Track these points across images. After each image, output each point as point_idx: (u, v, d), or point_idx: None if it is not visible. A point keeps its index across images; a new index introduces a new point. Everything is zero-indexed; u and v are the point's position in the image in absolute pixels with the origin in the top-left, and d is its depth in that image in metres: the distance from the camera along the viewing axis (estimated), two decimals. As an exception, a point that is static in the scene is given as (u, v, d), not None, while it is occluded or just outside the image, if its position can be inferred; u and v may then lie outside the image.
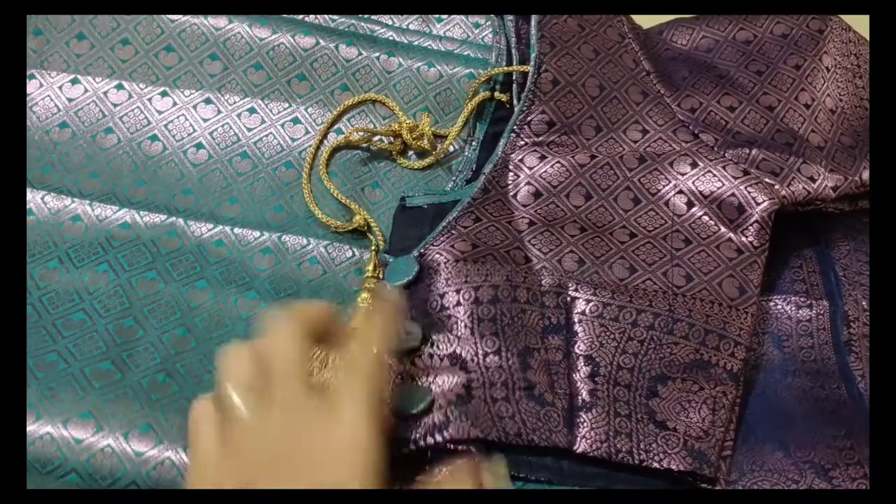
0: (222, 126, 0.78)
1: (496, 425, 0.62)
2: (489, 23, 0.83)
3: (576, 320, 0.66)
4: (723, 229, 0.70)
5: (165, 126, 0.78)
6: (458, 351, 0.64)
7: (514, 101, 0.76)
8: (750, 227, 0.69)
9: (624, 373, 0.64)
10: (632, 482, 0.63)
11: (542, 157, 0.73)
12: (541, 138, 0.74)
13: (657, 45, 0.81)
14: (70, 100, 0.78)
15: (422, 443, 0.61)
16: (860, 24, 0.79)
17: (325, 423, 0.54)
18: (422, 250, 0.68)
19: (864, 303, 0.71)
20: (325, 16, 0.82)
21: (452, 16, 0.84)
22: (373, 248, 0.73)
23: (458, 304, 0.65)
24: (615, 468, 0.63)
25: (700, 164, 0.71)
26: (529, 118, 0.74)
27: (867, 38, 0.80)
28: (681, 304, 0.66)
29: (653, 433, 0.62)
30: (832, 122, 0.75)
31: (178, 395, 0.67)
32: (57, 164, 0.76)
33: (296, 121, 0.79)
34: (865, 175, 0.71)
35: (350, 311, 0.70)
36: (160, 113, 0.78)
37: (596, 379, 0.64)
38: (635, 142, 0.74)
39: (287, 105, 0.79)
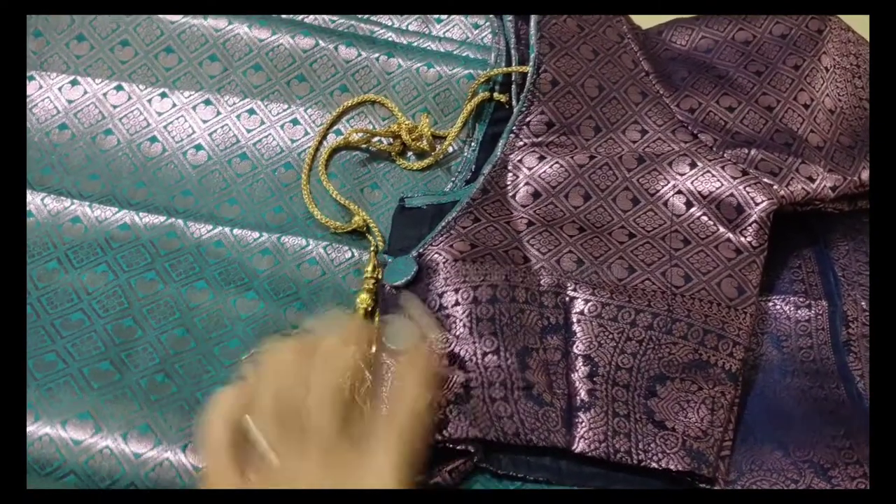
0: (222, 127, 0.78)
1: (494, 425, 0.62)
2: (488, 24, 0.83)
3: (574, 320, 0.66)
4: (721, 229, 0.70)
5: (165, 127, 0.78)
6: (456, 350, 0.64)
7: (514, 102, 0.76)
8: (749, 228, 0.69)
9: (622, 373, 0.64)
10: (630, 482, 0.63)
11: (541, 158, 0.73)
12: (540, 139, 0.74)
13: (656, 45, 0.81)
14: (70, 101, 0.78)
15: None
16: (860, 24, 0.79)
17: (356, 474, 0.55)
18: (420, 250, 0.68)
19: (863, 303, 0.71)
20: (325, 17, 0.82)
21: (452, 17, 0.84)
22: (372, 248, 0.73)
23: (457, 303, 0.65)
24: (614, 468, 0.63)
25: (699, 164, 0.71)
26: (528, 119, 0.74)
27: (866, 38, 0.80)
28: (679, 304, 0.66)
29: (651, 433, 0.62)
30: (831, 122, 0.75)
31: (177, 396, 0.67)
32: (56, 166, 0.76)
33: (295, 122, 0.79)
34: (864, 175, 0.71)
35: (349, 313, 0.70)
36: (160, 114, 0.78)
37: (594, 379, 0.64)
38: (634, 142, 0.74)
39: (286, 106, 0.79)
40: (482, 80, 0.78)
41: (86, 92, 0.79)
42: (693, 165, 0.71)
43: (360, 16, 0.83)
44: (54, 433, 0.64)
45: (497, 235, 0.69)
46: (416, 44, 0.81)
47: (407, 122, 0.77)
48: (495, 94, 0.78)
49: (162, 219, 0.74)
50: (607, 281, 0.68)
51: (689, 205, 0.71)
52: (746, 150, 0.72)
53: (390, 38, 0.82)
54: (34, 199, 0.74)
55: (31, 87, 0.78)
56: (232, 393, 0.58)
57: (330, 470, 0.55)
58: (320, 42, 0.80)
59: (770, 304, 0.71)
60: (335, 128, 0.79)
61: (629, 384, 0.64)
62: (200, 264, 0.72)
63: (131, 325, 0.69)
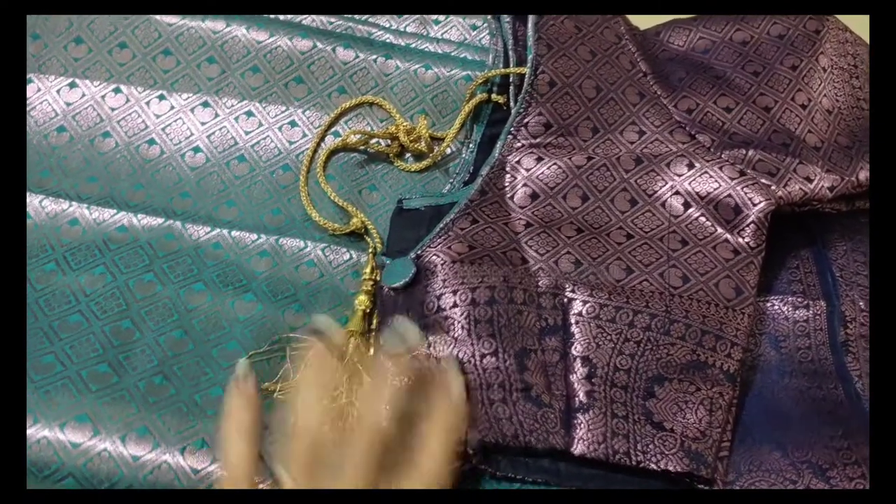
0: (220, 129, 0.78)
1: (493, 427, 0.62)
2: (486, 25, 0.83)
3: (572, 321, 0.66)
4: (719, 230, 0.70)
5: (163, 129, 0.78)
6: (455, 353, 0.64)
7: (511, 103, 0.76)
8: (746, 228, 0.69)
9: (621, 374, 0.64)
10: (629, 483, 0.63)
11: (539, 159, 0.73)
12: (538, 140, 0.74)
13: (654, 46, 0.81)
14: (68, 104, 0.78)
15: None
16: (860, 24, 0.79)
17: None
18: (419, 252, 0.68)
19: (861, 303, 0.71)
20: (323, 18, 0.82)
21: (450, 18, 0.84)
22: (370, 250, 0.73)
23: (455, 305, 0.65)
24: (613, 469, 0.63)
25: (696, 164, 0.71)
26: (526, 120, 0.74)
27: (864, 38, 0.80)
28: (677, 305, 0.66)
29: (650, 434, 0.62)
30: (829, 122, 0.75)
31: (175, 398, 0.67)
32: (55, 169, 0.76)
33: (293, 124, 0.79)
34: (862, 175, 0.71)
35: (348, 315, 0.70)
36: (158, 116, 0.78)
37: (593, 380, 0.64)
38: (632, 143, 0.74)
39: (284, 108, 0.79)
40: (480, 81, 0.78)
41: (84, 94, 0.79)
42: (691, 166, 0.71)
43: (357, 17, 0.83)
44: (52, 436, 0.64)
45: (495, 237, 0.69)
46: (413, 45, 0.81)
47: (405, 124, 0.77)
48: (493, 96, 0.78)
49: (160, 220, 0.73)
50: (605, 282, 0.68)
51: (686, 206, 0.71)
52: (744, 151, 0.72)
53: (388, 40, 0.82)
54: (32, 202, 0.73)
55: (29, 90, 0.78)
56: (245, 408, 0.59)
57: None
58: (318, 44, 0.80)
59: (768, 304, 0.71)
60: (333, 129, 0.79)
61: (627, 385, 0.64)
62: (199, 266, 0.72)
63: (129, 326, 0.69)
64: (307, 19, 0.82)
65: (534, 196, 0.72)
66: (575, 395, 0.63)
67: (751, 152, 0.71)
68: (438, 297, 0.66)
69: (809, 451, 0.64)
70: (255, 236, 0.73)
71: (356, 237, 0.74)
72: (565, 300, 0.67)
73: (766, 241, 0.69)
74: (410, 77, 0.80)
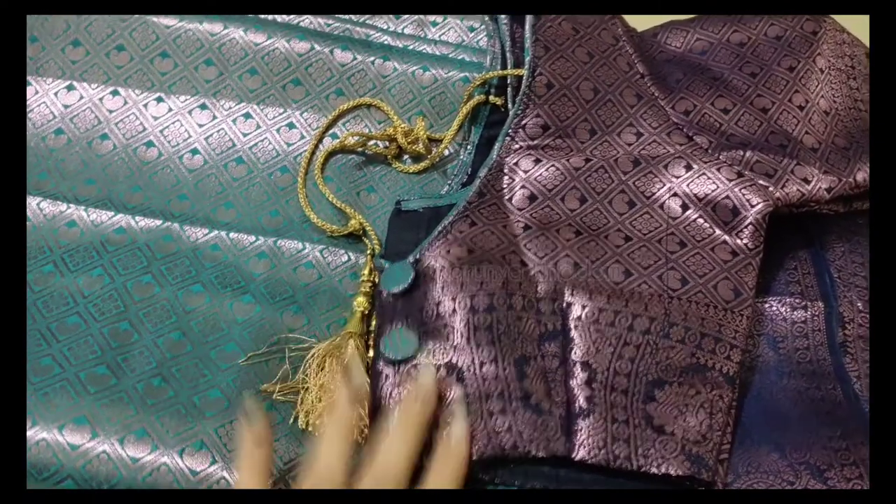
0: (217, 131, 0.78)
1: (492, 441, 0.62)
2: (484, 27, 0.83)
3: (572, 326, 0.66)
4: (717, 232, 0.70)
5: (161, 132, 0.78)
6: (454, 360, 0.64)
7: (509, 105, 0.76)
8: (744, 230, 0.69)
9: (621, 378, 0.64)
10: (630, 488, 0.63)
11: (537, 161, 0.73)
12: (535, 142, 0.74)
13: (651, 47, 0.81)
14: (66, 106, 0.78)
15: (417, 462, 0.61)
16: (859, 24, 0.79)
17: None
18: (417, 256, 0.68)
19: (859, 304, 0.71)
20: (320, 20, 0.82)
21: (447, 20, 0.84)
22: (368, 252, 0.73)
23: (454, 312, 0.65)
24: (613, 474, 0.63)
25: (694, 166, 0.71)
26: (524, 122, 0.74)
27: (862, 39, 0.80)
28: (676, 307, 0.66)
29: (651, 438, 0.62)
30: (826, 123, 0.75)
31: (174, 400, 0.66)
32: (53, 171, 0.76)
33: (291, 126, 0.79)
34: (860, 176, 0.71)
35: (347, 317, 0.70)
36: (155, 119, 0.78)
37: (593, 385, 0.64)
38: (629, 145, 0.74)
39: (282, 110, 0.79)
40: (478, 83, 0.78)
41: (82, 97, 0.79)
42: (688, 168, 0.71)
43: (355, 19, 0.83)
44: (51, 438, 0.64)
45: (494, 239, 0.69)
46: (411, 47, 0.82)
47: (403, 126, 0.77)
48: (491, 97, 0.78)
49: (158, 222, 0.73)
50: (604, 285, 0.67)
51: (684, 207, 0.71)
52: (741, 152, 0.72)
53: (386, 42, 0.82)
54: (30, 204, 0.74)
55: (27, 93, 0.78)
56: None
57: None
58: (316, 46, 0.80)
59: (766, 305, 0.71)
60: (331, 131, 0.79)
61: (627, 389, 0.64)
62: (197, 268, 0.72)
63: (127, 328, 0.69)
64: (305, 21, 0.82)
65: (532, 198, 0.72)
66: (575, 401, 0.63)
67: (748, 154, 0.72)
68: (437, 304, 0.66)
69: (807, 452, 0.64)
70: (253, 238, 0.73)
71: (354, 239, 0.74)
72: (564, 305, 0.67)
73: (764, 243, 0.69)
74: (408, 79, 0.80)
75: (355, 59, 0.80)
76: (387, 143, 0.78)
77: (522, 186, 0.72)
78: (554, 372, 0.64)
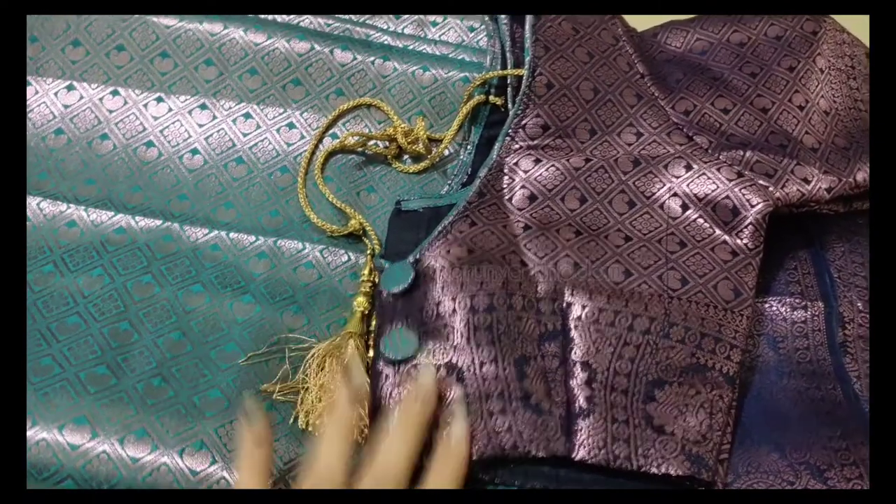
0: (217, 131, 0.78)
1: (492, 441, 0.62)
2: (484, 27, 0.83)
3: (572, 326, 0.66)
4: (717, 232, 0.70)
5: (161, 132, 0.78)
6: (454, 360, 0.64)
7: (509, 105, 0.76)
8: (744, 230, 0.69)
9: (621, 378, 0.64)
10: (630, 487, 0.63)
11: (537, 161, 0.73)
12: (535, 142, 0.74)
13: (651, 47, 0.81)
14: (66, 106, 0.78)
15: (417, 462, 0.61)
16: (859, 24, 0.79)
17: None
18: (417, 256, 0.68)
19: (859, 304, 0.71)
20: (320, 20, 0.82)
21: (447, 20, 0.84)
22: (368, 252, 0.73)
23: (454, 312, 0.65)
24: (613, 474, 0.63)
25: (694, 166, 0.71)
26: (524, 122, 0.74)
27: (861, 39, 0.80)
28: (676, 307, 0.66)
29: (650, 438, 0.62)
30: (826, 123, 0.75)
31: (174, 400, 0.66)
32: (53, 171, 0.76)
33: (291, 125, 0.79)
34: (860, 176, 0.71)
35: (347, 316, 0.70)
36: (155, 119, 0.78)
37: (593, 385, 0.64)
38: (629, 145, 0.74)
39: (282, 110, 0.79)
40: (478, 83, 0.78)
41: (82, 97, 0.79)
42: (688, 168, 0.71)
43: (355, 19, 0.83)
44: (51, 438, 0.64)
45: (494, 239, 0.69)
46: (411, 47, 0.82)
47: (403, 126, 0.77)
48: (491, 97, 0.78)
49: (158, 222, 0.74)
50: (604, 285, 0.67)
51: (684, 207, 0.71)
52: (741, 152, 0.72)
53: (386, 42, 0.82)
54: (30, 204, 0.74)
55: (27, 93, 0.78)
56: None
57: None
58: (315, 46, 0.80)
59: (766, 305, 0.71)
60: (331, 131, 0.79)
61: (627, 390, 0.64)
62: (197, 268, 0.72)
63: (128, 328, 0.69)
64: (305, 21, 0.82)
65: (532, 198, 0.72)
66: (575, 401, 0.63)
67: (748, 154, 0.72)
68: (437, 304, 0.66)
69: (807, 452, 0.64)
70: (253, 238, 0.73)
71: (354, 239, 0.74)
72: (564, 305, 0.67)
73: (764, 243, 0.69)
74: (408, 79, 0.80)
75: (355, 59, 0.80)
76: (387, 143, 0.78)
77: (522, 186, 0.72)
78: (554, 372, 0.64)
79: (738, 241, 0.69)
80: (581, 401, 0.63)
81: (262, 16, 0.82)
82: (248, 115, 0.79)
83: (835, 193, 0.71)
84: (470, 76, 0.80)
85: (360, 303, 0.70)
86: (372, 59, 0.80)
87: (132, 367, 0.68)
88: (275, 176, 0.77)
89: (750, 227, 0.69)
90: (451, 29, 0.84)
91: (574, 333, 0.65)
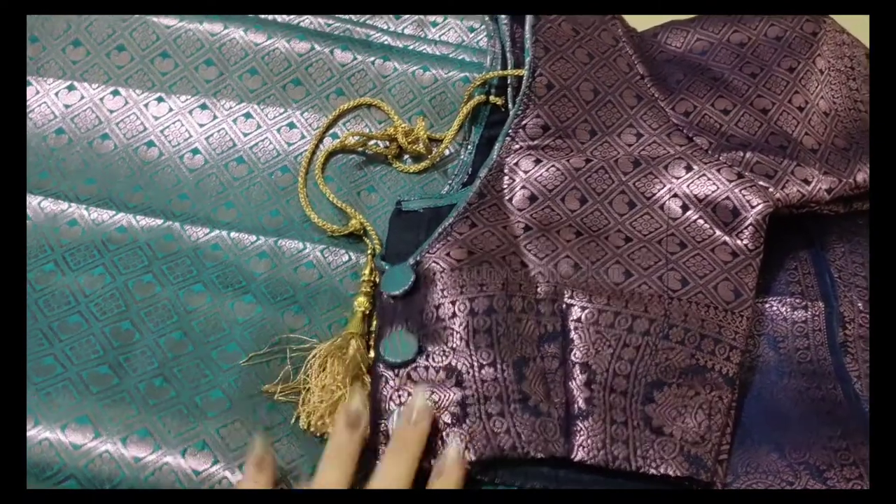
0: (218, 131, 0.78)
1: (491, 443, 0.62)
2: (484, 27, 0.83)
3: (571, 328, 0.66)
4: (718, 232, 0.70)
5: (161, 132, 0.78)
6: (453, 363, 0.64)
7: (509, 105, 0.76)
8: (745, 230, 0.69)
9: (620, 379, 0.64)
10: (629, 488, 0.63)
11: (538, 161, 0.73)
12: (536, 142, 0.74)
13: (651, 48, 0.81)
14: (66, 106, 0.78)
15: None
16: (859, 24, 0.79)
17: None
18: (418, 258, 0.68)
19: (859, 304, 0.71)
20: (320, 20, 0.82)
21: (447, 20, 0.84)
22: (369, 252, 0.73)
23: (454, 315, 0.65)
24: (612, 475, 0.63)
25: (694, 167, 0.72)
26: (524, 122, 0.74)
27: (861, 39, 0.80)
28: (676, 308, 0.66)
29: (649, 439, 0.62)
30: (826, 124, 0.75)
31: (176, 400, 0.67)
32: (54, 170, 0.76)
33: (291, 125, 0.79)
34: (860, 177, 0.72)
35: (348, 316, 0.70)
36: (156, 119, 0.78)
37: (592, 386, 0.64)
38: (630, 145, 0.74)
39: (283, 110, 0.79)
40: (478, 83, 0.78)
41: (82, 97, 0.79)
42: (689, 169, 0.72)
43: (355, 19, 0.83)
44: (54, 437, 0.64)
45: (494, 241, 0.69)
46: (411, 47, 0.82)
47: (403, 126, 0.78)
48: (491, 98, 0.78)
49: (159, 222, 0.74)
50: (604, 285, 0.68)
51: (685, 208, 0.71)
52: (741, 153, 0.72)
53: (386, 42, 0.82)
54: (31, 203, 0.74)
55: (28, 93, 0.78)
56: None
57: None
58: (316, 46, 0.80)
59: (767, 305, 0.72)
60: (331, 131, 0.79)
61: (627, 391, 0.64)
62: (198, 267, 0.72)
63: (129, 328, 0.69)
64: (305, 21, 0.82)
65: (532, 198, 0.72)
66: (574, 402, 0.64)
67: (748, 154, 0.72)
68: (437, 307, 0.66)
69: (807, 452, 0.64)
70: (253, 238, 0.73)
71: (355, 238, 0.74)
72: (564, 306, 0.67)
73: (764, 243, 0.69)
74: (408, 79, 0.80)
75: (355, 59, 0.80)
76: (387, 143, 0.78)
77: (523, 187, 0.72)
78: (553, 373, 0.64)
79: (739, 241, 0.69)
80: (580, 402, 0.63)
81: (263, 16, 0.82)
82: (248, 115, 0.79)
83: (835, 194, 0.71)
84: (470, 76, 0.80)
85: (361, 303, 0.70)
86: (372, 59, 0.80)
87: (134, 366, 0.68)
88: (275, 176, 0.77)
89: (750, 227, 0.69)
90: (451, 29, 0.84)
91: (574, 335, 0.66)
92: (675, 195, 0.71)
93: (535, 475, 0.63)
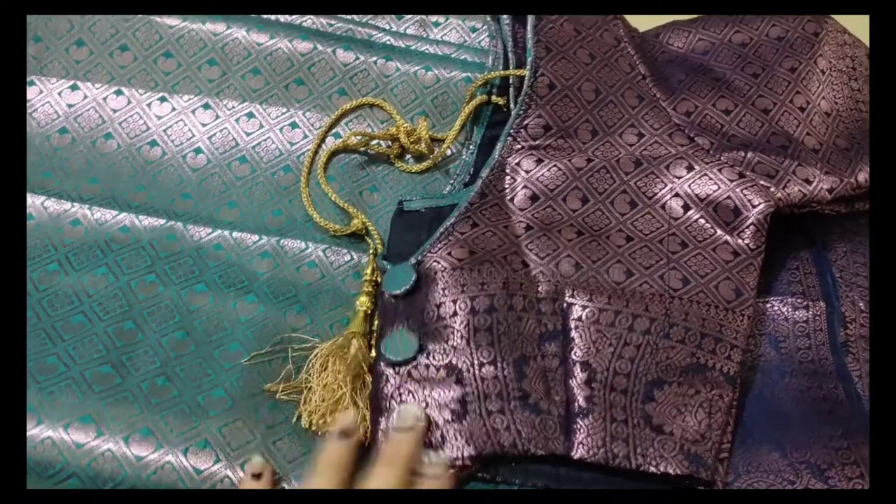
0: (221, 131, 0.78)
1: (491, 439, 0.62)
2: (486, 27, 0.83)
3: (572, 326, 0.66)
4: (719, 232, 0.70)
5: (164, 131, 0.78)
6: (453, 361, 0.64)
7: (511, 105, 0.77)
8: (746, 230, 0.69)
9: (620, 378, 0.64)
10: (630, 487, 0.63)
11: (539, 161, 0.73)
12: (537, 142, 0.74)
13: (653, 48, 0.81)
14: (70, 106, 0.79)
15: None
16: (860, 24, 0.79)
17: None
18: (419, 258, 0.68)
19: (860, 304, 0.71)
20: (323, 20, 0.82)
21: (449, 20, 0.84)
22: (371, 251, 0.73)
23: (455, 314, 0.65)
24: (612, 473, 0.63)
25: (696, 167, 0.72)
26: (526, 122, 0.74)
27: (863, 39, 0.80)
28: (677, 307, 0.66)
29: (649, 437, 0.62)
30: (827, 124, 0.75)
31: (178, 400, 0.67)
32: (57, 170, 0.76)
33: (294, 125, 0.79)
34: (861, 177, 0.72)
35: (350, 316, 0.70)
36: (159, 118, 0.78)
37: (592, 385, 0.64)
38: (631, 145, 0.74)
39: (285, 110, 0.79)
40: (480, 83, 0.78)
41: (86, 96, 0.79)
42: (690, 168, 0.72)
43: (357, 19, 0.83)
44: (56, 436, 0.65)
45: (495, 240, 0.69)
46: (413, 47, 0.82)
47: (405, 125, 0.78)
48: (493, 97, 0.78)
49: (162, 221, 0.74)
50: (605, 285, 0.68)
51: (686, 208, 0.71)
52: (743, 153, 0.72)
53: (388, 42, 0.82)
54: (35, 202, 0.74)
55: (31, 92, 0.79)
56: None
57: None
58: (318, 46, 0.80)
59: (768, 305, 0.72)
60: (334, 131, 0.79)
61: (627, 389, 0.64)
62: (200, 267, 0.72)
63: (132, 327, 0.70)
64: (307, 21, 0.82)
65: (534, 198, 0.72)
66: (574, 400, 0.64)
67: (749, 154, 0.72)
68: (438, 306, 0.66)
69: (808, 452, 0.64)
70: (256, 237, 0.74)
71: (357, 238, 0.75)
72: (565, 305, 0.67)
73: (765, 243, 0.69)
74: (410, 79, 0.80)
75: (358, 59, 0.80)
76: (389, 143, 0.78)
77: (524, 186, 0.72)
78: (553, 371, 0.65)
79: (740, 241, 0.69)
80: (580, 400, 0.64)
81: (265, 16, 0.82)
82: (251, 115, 0.79)
83: (836, 194, 0.71)
84: (472, 76, 0.80)
85: (363, 302, 0.70)
86: (374, 59, 0.81)
87: (137, 366, 0.68)
88: (278, 175, 0.77)
89: (751, 227, 0.69)
90: (453, 29, 0.84)
91: (574, 333, 0.66)
92: (677, 195, 0.71)
93: (536, 473, 0.63)
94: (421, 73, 0.80)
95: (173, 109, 0.79)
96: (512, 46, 0.79)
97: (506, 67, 0.79)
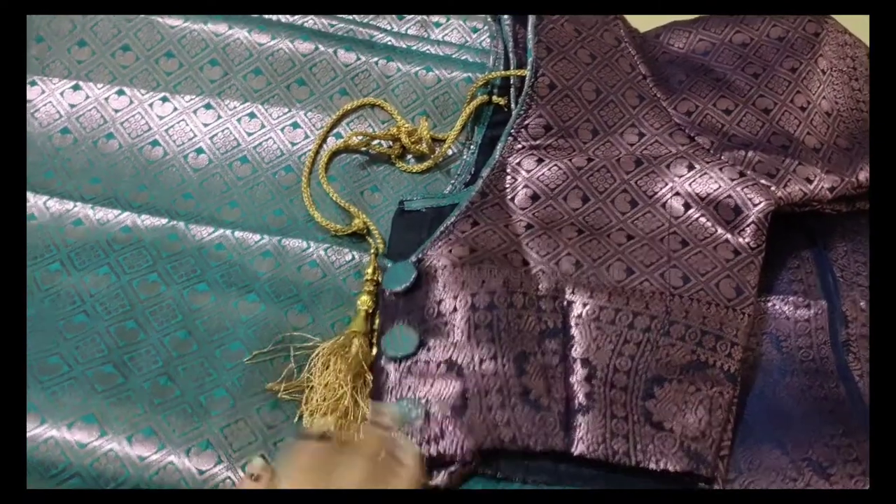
0: (222, 131, 0.79)
1: (490, 434, 0.62)
2: (486, 27, 0.84)
3: (573, 324, 0.66)
4: (720, 231, 0.70)
5: (166, 131, 0.78)
6: (454, 357, 0.64)
7: (512, 105, 0.77)
8: (747, 229, 0.69)
9: (620, 375, 0.64)
10: (629, 483, 0.63)
11: (540, 161, 0.73)
12: (538, 142, 0.74)
13: (654, 48, 0.81)
14: (71, 106, 0.79)
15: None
16: (860, 24, 0.79)
17: None
18: (420, 255, 0.69)
19: (862, 303, 0.71)
20: (324, 21, 0.83)
21: (450, 21, 0.84)
22: (372, 251, 0.73)
23: (455, 310, 0.65)
24: (612, 469, 0.63)
25: (696, 166, 0.72)
26: (527, 122, 0.74)
27: (863, 39, 0.80)
28: (678, 305, 0.67)
29: (649, 434, 0.62)
30: (828, 124, 0.75)
31: (180, 399, 0.67)
32: (59, 170, 0.76)
33: (295, 125, 0.79)
34: (862, 176, 0.72)
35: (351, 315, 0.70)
36: (161, 118, 0.79)
37: (592, 382, 0.64)
38: (632, 145, 0.74)
39: (286, 110, 0.79)
40: (481, 83, 0.78)
41: (87, 96, 0.79)
42: (691, 167, 0.72)
43: (358, 20, 0.83)
44: (59, 436, 0.65)
45: (496, 239, 0.69)
46: (414, 48, 0.82)
47: (406, 126, 0.78)
48: (494, 98, 0.78)
49: (163, 221, 0.74)
50: (606, 283, 0.68)
51: (687, 206, 0.71)
52: (743, 153, 0.72)
53: (389, 43, 0.82)
54: (37, 202, 0.74)
55: (33, 92, 0.79)
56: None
57: None
58: (319, 46, 0.81)
59: (769, 304, 0.72)
60: (335, 131, 0.79)
61: (627, 386, 0.64)
62: (202, 266, 0.73)
63: (134, 327, 0.70)
64: (308, 22, 0.83)
65: (534, 197, 0.72)
66: (574, 397, 0.64)
67: (750, 154, 0.72)
68: (439, 303, 0.66)
69: (810, 450, 0.64)
70: (257, 237, 0.74)
71: (358, 238, 0.75)
72: (565, 303, 0.67)
73: (766, 242, 0.70)
74: (412, 79, 0.81)
75: (359, 59, 0.81)
76: (390, 143, 0.78)
77: (525, 186, 0.73)
78: (554, 368, 0.65)
79: (740, 239, 0.69)
80: (580, 397, 0.64)
81: (267, 16, 0.82)
82: (252, 115, 0.79)
83: (837, 193, 0.71)
84: (473, 76, 0.80)
85: (364, 301, 0.70)
86: (375, 59, 0.81)
87: (139, 365, 0.68)
88: (279, 175, 0.77)
89: (752, 225, 0.69)
90: (454, 30, 0.84)
91: (574, 331, 0.66)
92: (677, 193, 0.71)
93: (536, 469, 0.63)
94: (422, 74, 0.81)
95: (175, 109, 0.79)
96: (513, 47, 0.79)
97: (507, 68, 0.79)
